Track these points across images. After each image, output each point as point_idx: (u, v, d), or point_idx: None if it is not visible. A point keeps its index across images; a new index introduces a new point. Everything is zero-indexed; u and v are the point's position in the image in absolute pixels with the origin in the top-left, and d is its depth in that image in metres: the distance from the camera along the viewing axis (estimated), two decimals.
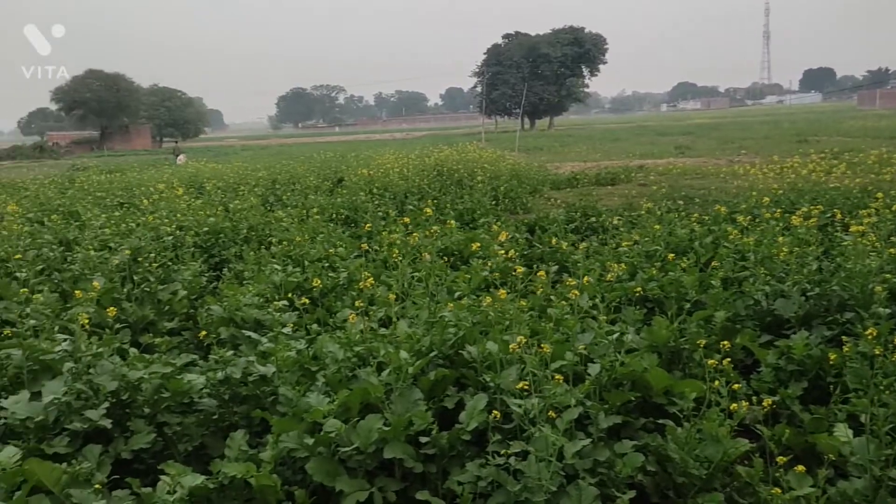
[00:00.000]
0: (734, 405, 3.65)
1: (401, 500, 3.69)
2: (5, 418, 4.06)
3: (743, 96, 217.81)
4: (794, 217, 7.49)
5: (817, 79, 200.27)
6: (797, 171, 13.36)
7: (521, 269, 4.73)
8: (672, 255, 6.63)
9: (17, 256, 6.92)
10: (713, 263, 6.83)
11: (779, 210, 8.61)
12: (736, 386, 3.78)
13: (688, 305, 5.77)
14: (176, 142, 72.41)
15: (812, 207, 8.16)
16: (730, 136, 41.87)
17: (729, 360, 3.89)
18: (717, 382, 3.76)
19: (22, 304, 6.15)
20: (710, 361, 3.76)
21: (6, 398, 4.19)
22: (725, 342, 4.14)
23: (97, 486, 3.46)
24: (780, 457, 3.45)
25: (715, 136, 42.29)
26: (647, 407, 4.49)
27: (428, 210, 6.55)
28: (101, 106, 79.18)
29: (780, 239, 6.84)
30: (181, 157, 36.69)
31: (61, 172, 28.99)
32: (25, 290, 5.63)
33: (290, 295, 6.22)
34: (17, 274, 6.99)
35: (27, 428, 4.02)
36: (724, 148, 31.91)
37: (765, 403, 3.76)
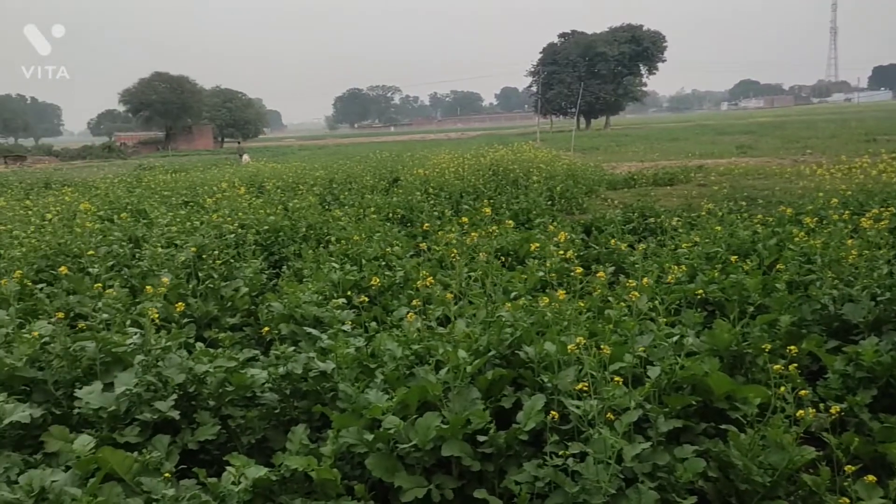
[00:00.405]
0: (800, 412, 3.55)
1: (458, 497, 3.72)
2: (80, 408, 4.25)
3: (808, 94, 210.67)
4: (863, 219, 7.22)
5: (887, 76, 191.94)
6: (866, 172, 12.86)
7: (579, 270, 4.69)
8: (734, 257, 6.47)
9: (90, 252, 7.22)
10: (777, 266, 6.64)
11: (847, 212, 8.31)
12: (803, 392, 3.68)
13: (751, 309, 5.63)
14: (239, 142, 74.32)
15: (883, 209, 7.85)
16: (794, 135, 40.60)
17: (795, 365, 3.79)
18: (782, 388, 3.66)
19: (94, 298, 6.43)
20: (776, 367, 3.67)
21: (80, 388, 4.39)
22: (792, 347, 4.03)
23: (166, 475, 3.59)
24: (848, 466, 3.34)
25: (779, 136, 41.08)
26: (707, 412, 4.40)
27: (486, 209, 6.53)
28: (166, 107, 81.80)
29: (849, 242, 6.60)
30: (245, 156, 37.73)
31: (129, 172, 30.06)
32: (99, 284, 5.86)
33: (348, 293, 6.31)
34: (90, 269, 7.30)
35: (100, 417, 4.20)
36: (788, 147, 30.97)
37: (832, 410, 3.65)
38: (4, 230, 9.67)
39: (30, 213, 11.63)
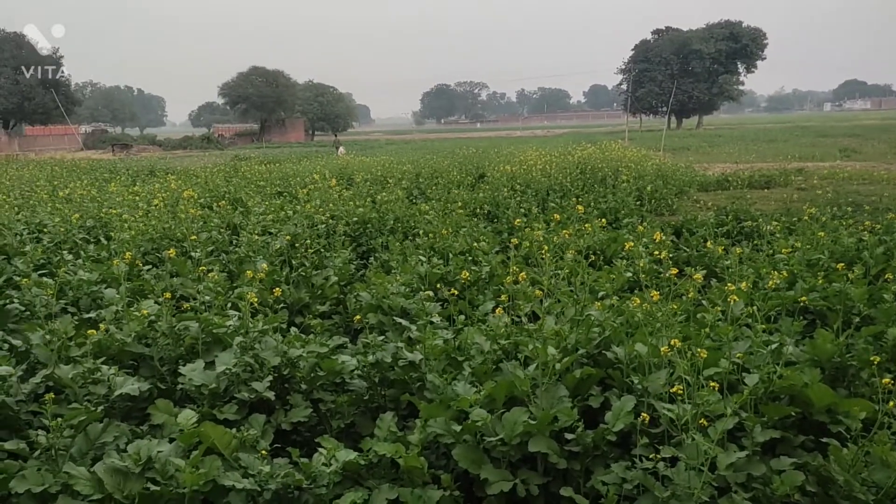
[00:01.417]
0: None
1: (542, 494, 3.71)
2: (183, 384, 4.49)
3: None
4: None
5: None
6: None
7: (674, 271, 4.58)
8: (839, 264, 6.16)
9: (193, 238, 7.58)
10: (886, 276, 6.28)
11: None
12: None
13: (856, 319, 5.35)
14: (336, 135, 76.40)
15: None
16: None
17: None
18: (891, 403, 3.47)
19: (196, 281, 6.76)
20: (885, 380, 3.48)
21: (184, 366, 4.64)
22: None
23: (262, 451, 3.75)
24: None
25: (886, 140, 38.74)
26: (806, 425, 4.22)
27: (580, 207, 6.47)
28: (262, 100, 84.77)
29: None
30: (341, 149, 39.19)
31: (225, 162, 31.35)
32: (202, 267, 6.15)
33: (438, 285, 6.38)
34: (192, 253, 7.67)
35: (201, 394, 4.42)
36: None
37: None
38: (115, 213, 10.28)
39: (137, 198, 12.32)
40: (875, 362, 3.96)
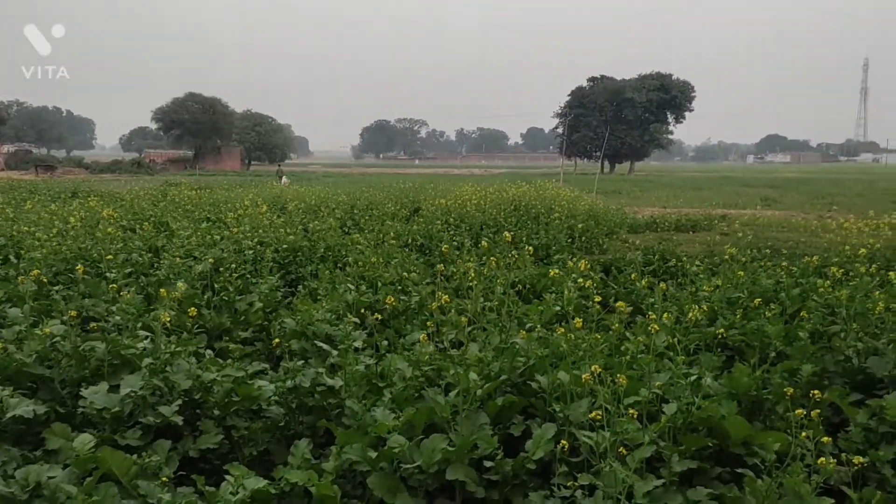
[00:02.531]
0: (821, 459, 3.41)
1: None
2: (84, 407, 4.20)
3: (836, 152, 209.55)
4: (891, 273, 7.06)
5: None
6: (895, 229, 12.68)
7: (598, 298, 4.60)
8: (758, 300, 6.34)
9: (109, 257, 7.24)
10: (802, 313, 6.49)
11: (874, 266, 8.16)
12: (825, 439, 3.53)
13: (772, 355, 5.49)
14: (279, 164, 75.31)
15: None
16: (820, 191, 40.32)
17: (818, 411, 3.65)
18: (803, 434, 3.53)
19: (109, 302, 6.43)
20: (798, 411, 3.54)
21: (87, 389, 4.35)
22: (816, 391, 3.90)
23: (164, 479, 3.52)
24: None
25: (804, 191, 40.81)
26: (723, 457, 4.25)
27: (507, 235, 6.47)
28: (198, 127, 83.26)
29: (877, 294, 6.45)
30: (284, 179, 38.34)
31: (155, 187, 30.45)
32: (114, 286, 5.86)
33: (362, 311, 6.25)
34: (108, 274, 7.32)
35: (103, 418, 4.15)
36: (813, 203, 30.71)
37: (855, 460, 3.50)
38: (27, 232, 9.76)
39: (54, 217, 11.75)
40: (789, 394, 4.03)
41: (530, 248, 9.18)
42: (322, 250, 10.79)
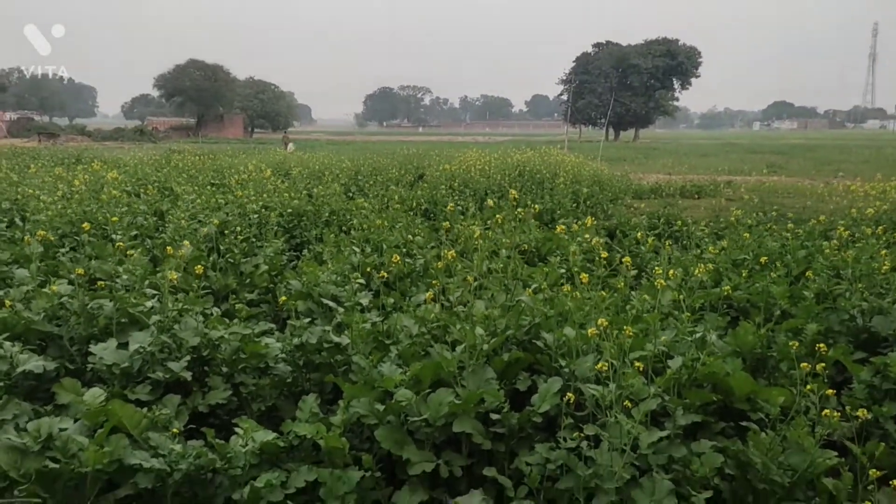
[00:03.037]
0: (825, 411, 3.43)
1: (466, 476, 3.64)
2: (93, 363, 4.24)
3: (843, 119, 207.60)
4: None
5: None
6: None
7: (605, 255, 4.60)
8: (764, 258, 6.32)
9: (115, 219, 7.25)
10: (807, 274, 6.49)
11: (881, 227, 8.12)
12: (829, 392, 3.56)
13: (777, 314, 5.49)
14: (285, 131, 74.74)
15: None
16: (827, 157, 40.01)
17: (823, 364, 3.67)
18: (808, 387, 3.55)
19: (115, 263, 6.44)
20: (804, 364, 3.56)
21: (96, 346, 4.38)
22: (822, 345, 3.91)
23: (174, 430, 3.56)
24: (873, 471, 3.22)
25: (811, 157, 40.49)
26: (727, 412, 4.29)
27: (512, 192, 6.45)
28: (200, 94, 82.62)
29: (883, 252, 6.44)
30: (290, 145, 38.04)
31: (159, 154, 30.32)
32: (121, 244, 5.86)
33: (368, 270, 6.27)
34: (113, 236, 7.33)
35: (112, 374, 4.18)
36: (820, 169, 30.47)
37: (859, 414, 3.53)
38: (32, 195, 9.77)
39: (58, 181, 11.74)
40: (794, 348, 4.04)
41: (536, 206, 9.13)
42: (327, 215, 10.79)
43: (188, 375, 4.16)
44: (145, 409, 3.67)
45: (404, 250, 8.32)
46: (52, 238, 6.85)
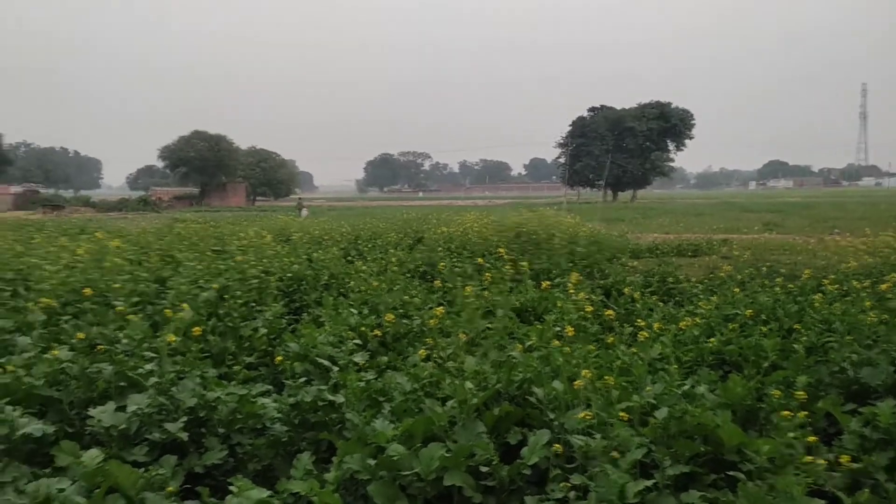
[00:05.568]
0: (808, 458, 3.49)
1: None
2: (92, 426, 4.32)
3: (838, 177, 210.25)
4: (883, 285, 7.17)
5: None
6: (892, 246, 12.76)
7: (590, 309, 4.72)
8: (750, 311, 6.44)
9: (116, 286, 7.38)
10: (796, 326, 6.59)
11: (868, 280, 8.25)
12: (811, 438, 3.62)
13: (765, 366, 5.57)
14: (300, 197, 75.37)
15: None
16: (822, 215, 40.39)
17: (805, 413, 3.75)
18: (790, 435, 3.62)
19: (116, 329, 6.56)
20: (785, 413, 3.63)
21: (94, 409, 4.47)
22: (801, 393, 3.99)
23: (170, 490, 3.62)
24: None
25: (806, 215, 40.86)
26: (717, 464, 4.32)
27: (501, 251, 6.61)
28: (203, 164, 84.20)
29: (867, 303, 6.55)
30: (304, 210, 38.02)
31: (161, 223, 30.71)
32: (121, 308, 5.99)
33: (363, 329, 6.37)
34: (115, 302, 7.45)
35: (110, 436, 4.26)
36: (815, 226, 30.74)
37: (842, 459, 3.58)
38: (35, 264, 9.93)
39: (62, 250, 11.92)
40: (777, 396, 4.12)
41: (525, 263, 9.30)
42: (326, 278, 10.93)
43: (185, 436, 4.23)
44: (142, 470, 3.74)
45: (401, 311, 8.43)
46: (55, 304, 6.98)
